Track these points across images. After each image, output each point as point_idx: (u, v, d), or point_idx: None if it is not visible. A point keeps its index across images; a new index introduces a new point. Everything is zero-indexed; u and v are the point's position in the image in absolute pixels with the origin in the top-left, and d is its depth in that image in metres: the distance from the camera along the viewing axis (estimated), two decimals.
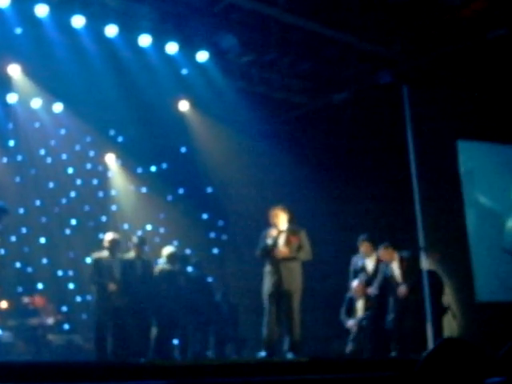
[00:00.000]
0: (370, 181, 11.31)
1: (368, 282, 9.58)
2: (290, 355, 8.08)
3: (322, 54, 10.79)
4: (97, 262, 9.66)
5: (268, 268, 8.32)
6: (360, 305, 9.61)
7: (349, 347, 9.53)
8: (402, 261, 9.39)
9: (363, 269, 9.75)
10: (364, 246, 9.73)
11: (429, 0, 9.24)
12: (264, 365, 6.43)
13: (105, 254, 9.69)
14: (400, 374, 5.15)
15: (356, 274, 9.76)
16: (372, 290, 9.52)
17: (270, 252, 8.27)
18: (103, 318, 9.50)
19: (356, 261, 9.84)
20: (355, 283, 9.61)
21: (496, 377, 3.14)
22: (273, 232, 8.28)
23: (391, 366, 5.92)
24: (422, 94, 10.18)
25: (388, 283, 9.42)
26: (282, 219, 8.35)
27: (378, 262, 9.64)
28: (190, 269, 11.14)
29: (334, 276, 10.86)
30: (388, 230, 10.28)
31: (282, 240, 8.28)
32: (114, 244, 9.77)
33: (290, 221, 8.41)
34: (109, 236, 9.85)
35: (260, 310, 8.43)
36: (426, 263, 9.13)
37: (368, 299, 9.54)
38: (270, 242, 8.27)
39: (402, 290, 9.22)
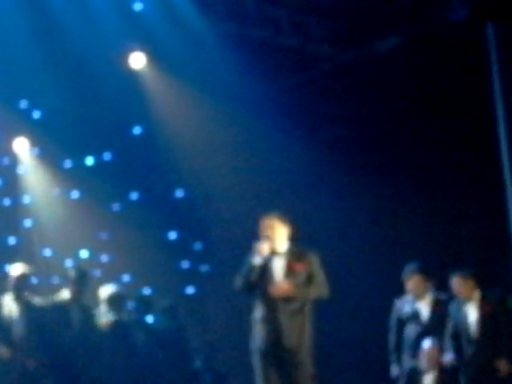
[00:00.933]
0: (432, 179, 11.48)
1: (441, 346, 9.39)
2: None
3: None
4: None
5: (259, 313, 8.02)
6: (429, 380, 9.43)
7: None
8: (483, 304, 9.31)
9: (414, 316, 9.65)
10: (414, 282, 9.63)
11: None
12: None
13: (6, 298, 9.79)
14: None
15: (401, 325, 9.69)
16: (449, 357, 9.33)
17: (258, 282, 7.93)
18: None
19: (401, 305, 9.77)
20: (427, 346, 9.38)
21: None
22: (264, 248, 7.94)
23: None
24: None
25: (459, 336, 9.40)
26: (279, 234, 8.06)
27: (437, 304, 9.62)
28: (151, 319, 11.30)
29: (370, 322, 11.02)
30: (466, 255, 10.27)
31: (279, 267, 7.98)
32: (21, 282, 9.82)
33: (293, 238, 8.15)
34: (15, 270, 9.91)
35: None
36: None
37: (443, 372, 9.36)
38: (258, 261, 7.91)
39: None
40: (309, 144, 11.75)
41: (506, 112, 9.92)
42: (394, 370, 9.64)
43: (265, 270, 7.92)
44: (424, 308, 9.60)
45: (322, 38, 11.76)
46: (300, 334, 7.92)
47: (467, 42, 10.67)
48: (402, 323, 9.64)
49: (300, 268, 7.94)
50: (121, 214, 13.06)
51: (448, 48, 11.05)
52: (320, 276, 8.03)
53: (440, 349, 9.35)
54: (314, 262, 8.05)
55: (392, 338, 9.69)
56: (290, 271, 7.92)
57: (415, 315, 9.60)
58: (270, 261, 7.95)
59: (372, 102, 11.94)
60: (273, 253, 7.98)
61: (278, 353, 7.88)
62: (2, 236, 12.65)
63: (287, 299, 7.84)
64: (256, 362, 7.96)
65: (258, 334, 7.96)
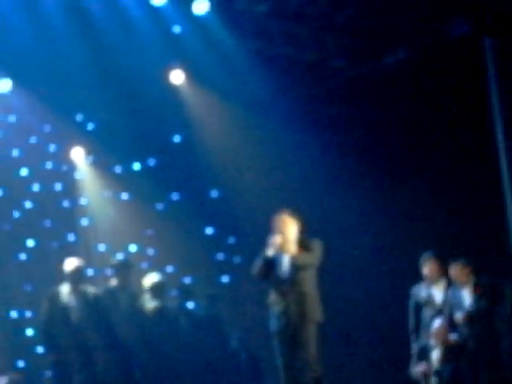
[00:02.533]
0: (437, 178, 11.35)
1: (450, 325, 9.30)
2: None
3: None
4: (50, 300, 9.78)
5: (272, 297, 8.05)
6: (436, 355, 9.36)
7: None
8: (476, 287, 9.28)
9: (429, 301, 9.59)
10: (429, 269, 9.55)
11: None
12: None
13: (64, 287, 9.79)
14: None
15: (418, 308, 9.61)
16: (454, 337, 9.29)
17: (271, 270, 7.98)
18: (67, 376, 9.66)
19: (418, 291, 9.68)
20: (436, 325, 9.32)
21: None
22: (277, 241, 7.95)
23: None
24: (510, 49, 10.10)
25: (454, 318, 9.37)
26: (290, 229, 8.07)
27: (449, 289, 9.56)
28: (193, 305, 11.39)
29: (387, 309, 10.93)
30: (468, 245, 10.19)
31: (287, 257, 8.00)
32: (76, 274, 9.84)
33: (302, 232, 8.14)
34: (70, 263, 9.90)
35: None
36: None
37: (450, 349, 9.28)
38: (271, 253, 7.94)
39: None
40: (326, 148, 11.69)
41: (503, 119, 9.84)
42: (414, 348, 9.56)
43: (276, 259, 7.95)
44: (437, 292, 9.53)
45: (338, 53, 11.70)
46: (306, 316, 7.91)
47: (467, 55, 10.53)
48: (419, 307, 9.56)
49: (299, 258, 7.99)
50: (164, 213, 13.03)
51: (450, 60, 10.92)
52: (317, 251, 8.04)
53: (448, 328, 9.29)
54: (317, 247, 8.03)
55: (411, 320, 9.60)
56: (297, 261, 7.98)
57: (430, 299, 9.53)
58: (281, 252, 7.94)
59: (382, 109, 11.85)
60: (284, 245, 7.94)
61: (289, 332, 7.88)
62: (63, 233, 12.70)
63: (294, 284, 7.87)
64: (274, 341, 8.00)
65: (273, 316, 7.99)
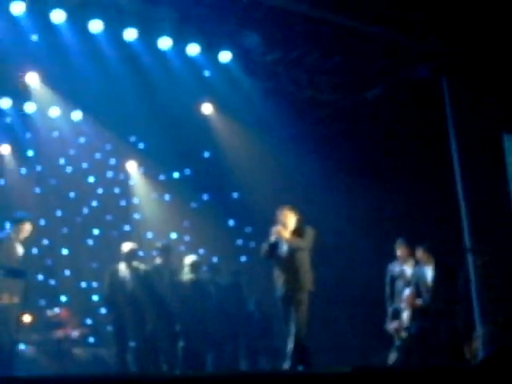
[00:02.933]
0: (408, 182, 11.27)
1: (418, 293, 9.39)
2: (299, 367, 7.77)
3: (351, 48, 10.64)
4: (111, 274, 9.81)
5: (276, 271, 8.08)
6: (406, 315, 9.42)
7: (392, 357, 9.47)
8: (437, 265, 9.34)
9: (401, 275, 9.66)
10: (401, 250, 9.66)
11: None
12: (296, 377, 6.32)
13: (121, 265, 9.83)
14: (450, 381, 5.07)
15: (393, 281, 9.68)
16: (419, 302, 9.36)
17: (274, 252, 8.02)
18: (124, 331, 9.69)
19: (393, 267, 9.76)
20: (407, 293, 9.43)
21: None
22: (278, 229, 8.00)
23: (441, 376, 5.80)
24: (463, 88, 10.15)
25: (420, 287, 9.40)
26: (290, 220, 8.08)
27: (416, 266, 9.58)
28: (224, 277, 11.27)
29: (371, 282, 10.77)
30: (428, 234, 10.14)
31: (285, 242, 8.00)
32: (130, 254, 9.89)
33: (299, 222, 8.13)
34: (126, 246, 9.99)
35: None
36: (473, 267, 9.11)
37: (416, 311, 9.35)
38: (273, 239, 8.00)
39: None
40: (320, 160, 11.67)
41: (456, 139, 9.91)
42: (389, 310, 9.62)
43: (278, 243, 7.97)
44: (407, 268, 9.60)
45: (328, 90, 11.60)
46: (300, 286, 7.89)
47: (429, 91, 10.55)
48: (393, 279, 9.64)
49: (291, 241, 7.99)
50: (196, 209, 13.06)
51: (415, 95, 10.88)
52: (308, 236, 8.02)
53: (416, 295, 9.37)
54: (309, 233, 8.02)
55: (387, 289, 9.68)
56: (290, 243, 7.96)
57: (402, 274, 9.61)
58: (281, 238, 7.95)
59: (363, 132, 11.80)
60: (283, 232, 7.93)
61: (288, 297, 7.91)
62: (120, 225, 12.86)
63: (291, 262, 7.89)
64: (279, 304, 8.05)
65: (277, 286, 8.01)
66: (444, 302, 9.12)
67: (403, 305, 9.44)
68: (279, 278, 8.00)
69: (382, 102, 11.47)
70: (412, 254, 9.59)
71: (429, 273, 9.32)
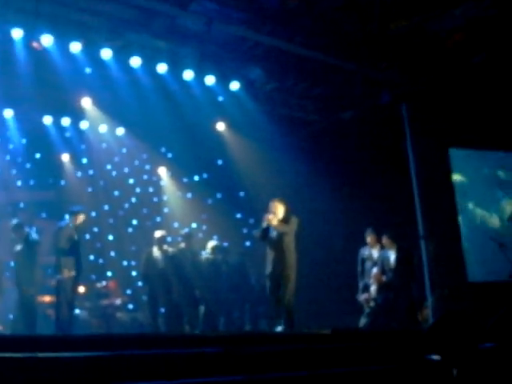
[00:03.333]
0: (375, 185, 11.15)
1: (383, 271, 9.32)
2: (279, 328, 7.55)
3: (331, 79, 10.68)
4: (146, 255, 9.73)
5: (267, 251, 7.85)
6: (373, 289, 9.37)
7: (362, 321, 9.40)
8: (398, 250, 9.26)
9: (369, 257, 9.58)
10: (370, 238, 9.58)
11: (420, 32, 9.09)
12: (289, 336, 6.31)
13: (154, 248, 9.74)
14: (408, 341, 5.05)
15: (363, 262, 9.59)
16: (384, 278, 9.30)
17: (266, 235, 7.78)
18: (155, 299, 9.63)
19: (363, 251, 9.66)
20: (374, 272, 9.35)
21: (488, 343, 3.12)
22: (269, 217, 7.75)
23: (400, 336, 5.82)
24: (418, 111, 10.06)
25: (384, 267, 9.32)
26: (279, 210, 7.83)
27: (381, 250, 9.50)
28: (233, 258, 11.09)
29: (346, 262, 10.65)
30: (391, 225, 10.03)
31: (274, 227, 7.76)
32: (161, 240, 9.80)
33: (286, 212, 7.87)
34: (157, 233, 9.91)
35: None
36: (425, 251, 9.06)
37: (382, 285, 9.29)
38: (265, 224, 7.78)
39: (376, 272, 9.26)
40: (308, 167, 11.54)
41: (414, 155, 9.78)
42: (360, 285, 9.56)
43: (269, 229, 7.77)
44: (375, 252, 9.51)
45: (313, 112, 11.67)
46: (286, 263, 7.68)
47: (391, 114, 10.47)
48: (363, 260, 9.55)
49: (277, 227, 7.77)
50: (212, 205, 12.90)
51: (380, 117, 10.85)
52: (291, 223, 7.77)
53: (381, 273, 9.32)
54: (294, 221, 7.80)
55: (359, 268, 9.59)
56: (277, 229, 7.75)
57: (370, 256, 9.52)
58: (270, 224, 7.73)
59: (340, 146, 11.78)
60: (272, 220, 7.70)
61: (276, 273, 7.70)
62: (153, 217, 12.77)
63: (279, 244, 7.67)
64: (267, 281, 7.83)
65: (267, 264, 7.80)
66: (403, 279, 9.09)
67: (371, 280, 9.38)
68: (269, 256, 7.80)
69: (354, 122, 11.44)
70: (378, 241, 9.51)
71: (392, 255, 9.26)
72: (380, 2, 8.48)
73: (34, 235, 8.90)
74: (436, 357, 3.10)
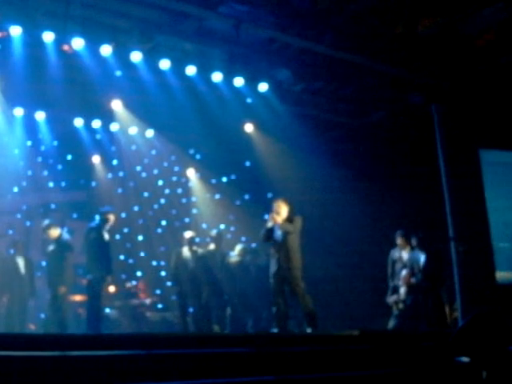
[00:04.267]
0: (404, 187, 11.07)
1: (413, 273, 9.26)
2: (308, 330, 7.47)
3: (360, 80, 10.64)
4: (176, 255, 9.78)
5: (271, 252, 7.74)
6: (403, 291, 9.32)
7: (391, 323, 9.36)
8: (428, 252, 9.19)
9: (399, 259, 9.52)
10: (400, 240, 9.55)
11: (450, 33, 9.00)
12: (317, 338, 6.30)
13: (183, 248, 9.82)
14: (437, 343, 5.01)
15: (393, 264, 9.54)
16: (413, 280, 9.25)
17: (270, 236, 7.68)
18: (185, 299, 9.72)
19: (393, 253, 9.62)
20: (403, 274, 9.30)
21: None
22: (274, 217, 7.68)
23: (429, 338, 5.76)
24: (448, 112, 9.96)
25: (414, 269, 9.27)
26: (283, 209, 7.74)
27: (411, 252, 9.44)
28: (262, 259, 10.93)
29: (375, 265, 10.61)
30: (420, 227, 9.98)
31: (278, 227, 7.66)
32: (190, 240, 9.86)
33: (290, 211, 7.80)
34: (187, 234, 9.99)
35: (313, 292, 8.11)
36: (455, 253, 8.97)
37: (411, 287, 9.25)
38: (270, 225, 7.70)
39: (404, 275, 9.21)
40: (336, 169, 11.50)
41: (443, 155, 9.67)
42: (390, 286, 9.51)
43: (273, 229, 7.68)
44: (404, 254, 9.46)
45: (342, 113, 11.62)
46: (291, 263, 7.57)
47: (421, 117, 10.40)
48: (393, 262, 9.51)
49: (283, 226, 7.66)
50: (240, 206, 12.90)
51: (410, 119, 10.82)
52: (295, 223, 7.68)
53: (411, 275, 9.26)
54: (297, 220, 7.68)
55: (389, 270, 9.56)
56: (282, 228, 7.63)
57: (400, 258, 9.47)
58: (275, 225, 7.66)
59: (370, 147, 11.72)
60: (277, 219, 7.63)
61: (281, 273, 7.59)
62: (182, 217, 12.88)
63: (283, 244, 7.57)
64: (271, 280, 7.71)
65: (271, 265, 7.70)
66: (432, 280, 9.04)
67: (400, 282, 9.34)
68: (274, 256, 7.67)
69: (384, 123, 11.40)
70: (408, 243, 9.46)
71: (421, 257, 9.20)
72: (410, 3, 8.42)
73: (66, 236, 9.08)
74: (465, 359, 3.08)
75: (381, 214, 11.34)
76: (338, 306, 10.51)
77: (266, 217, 12.85)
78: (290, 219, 7.75)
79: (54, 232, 8.96)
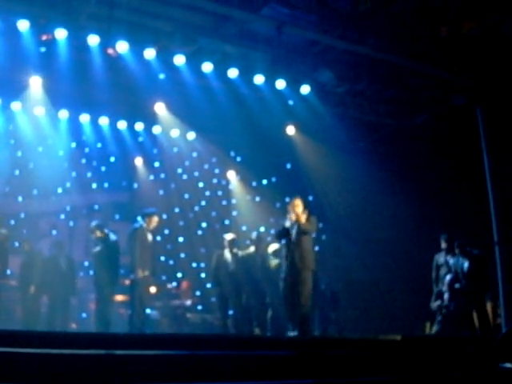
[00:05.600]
0: (448, 189, 10.97)
1: (457, 279, 9.15)
2: (292, 333, 7.34)
3: (403, 82, 10.61)
4: (217, 257, 9.82)
5: (285, 252, 7.61)
6: (447, 296, 9.23)
7: (434, 328, 9.29)
8: (472, 256, 9.09)
9: (444, 264, 9.41)
10: (445, 244, 9.43)
11: (494, 34, 8.87)
12: (358, 342, 6.27)
13: (224, 250, 9.85)
14: (481, 349, 4.95)
15: (438, 268, 9.44)
16: (458, 286, 9.16)
17: (286, 235, 7.54)
18: (225, 301, 9.71)
19: (438, 257, 9.51)
20: (447, 279, 9.21)
21: None
22: (291, 216, 7.55)
23: (472, 344, 5.69)
24: (493, 114, 9.82)
25: (458, 274, 9.17)
26: (301, 209, 7.62)
27: (456, 257, 9.31)
28: None
29: (418, 268, 10.53)
30: (465, 231, 9.89)
31: (295, 227, 7.51)
32: (231, 242, 9.89)
33: (308, 211, 7.70)
34: (228, 236, 10.02)
35: (357, 297, 8.00)
36: (499, 257, 8.82)
37: (455, 293, 9.14)
38: (288, 224, 7.57)
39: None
40: (378, 172, 11.43)
41: (488, 157, 9.55)
42: (434, 292, 9.43)
43: (289, 228, 7.57)
44: (450, 258, 9.35)
45: (385, 115, 11.54)
46: (305, 264, 7.45)
47: (465, 117, 10.27)
48: (438, 267, 9.42)
49: (305, 226, 7.53)
50: (280, 209, 12.51)
51: (454, 120, 10.69)
52: (313, 222, 7.62)
53: (455, 280, 9.16)
54: (314, 221, 7.61)
55: (433, 275, 9.48)
56: (299, 229, 7.53)
57: (445, 263, 9.37)
58: (292, 224, 7.56)
59: (413, 149, 11.63)
60: (301, 217, 7.51)
61: (293, 275, 7.45)
62: (222, 219, 13.01)
63: (299, 244, 7.45)
64: (281, 283, 7.63)
65: (283, 266, 7.61)
66: (476, 286, 8.96)
67: (444, 288, 9.25)
68: (286, 258, 7.56)
69: (427, 126, 11.30)
70: (453, 247, 9.33)
71: (465, 262, 9.10)
72: (453, 4, 8.32)
73: (113, 236, 9.16)
74: (509, 365, 3.05)
75: (424, 216, 11.22)
76: (380, 308, 10.40)
77: None
78: (307, 219, 7.66)
79: (102, 232, 9.08)
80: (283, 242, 7.74)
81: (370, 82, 10.60)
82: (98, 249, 9.08)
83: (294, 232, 7.55)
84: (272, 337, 8.49)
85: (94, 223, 9.34)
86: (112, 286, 8.85)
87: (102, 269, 8.83)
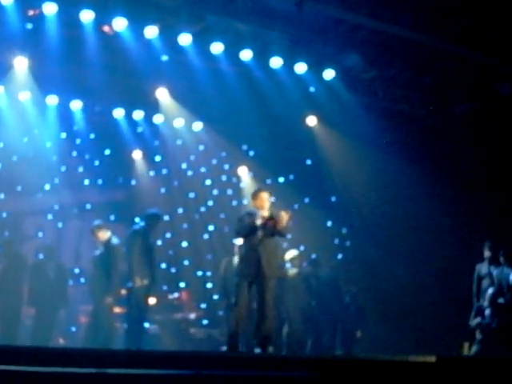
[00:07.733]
0: (491, 188, 10.93)
1: (501, 292, 9.10)
2: (257, 350, 7.23)
3: (441, 67, 10.58)
4: (225, 265, 9.65)
5: (244, 250, 7.46)
6: (488, 312, 9.16)
7: (473, 348, 9.23)
8: None
9: (487, 275, 9.36)
10: (488, 253, 9.35)
11: None
12: (387, 363, 6.25)
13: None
14: None
15: (480, 280, 9.40)
16: (501, 301, 9.11)
17: (253, 233, 7.31)
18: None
19: (480, 268, 9.46)
20: (489, 292, 9.16)
21: None
22: (263, 214, 7.38)
23: None
24: None
25: (502, 287, 9.11)
26: (267, 204, 7.51)
27: (500, 268, 9.25)
28: (324, 271, 10.99)
29: (459, 280, 10.43)
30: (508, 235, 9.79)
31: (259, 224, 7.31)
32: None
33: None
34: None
35: (387, 311, 7.91)
36: None
37: (497, 308, 9.09)
38: (259, 222, 7.36)
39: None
40: (415, 170, 11.40)
41: None
42: (474, 307, 9.34)
43: (254, 225, 7.37)
44: (493, 269, 9.27)
45: (420, 105, 11.54)
46: (270, 270, 7.31)
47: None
48: (480, 279, 9.36)
49: (270, 223, 7.33)
50: (298, 211, 12.60)
51: (499, 111, 10.66)
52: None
53: (498, 294, 9.09)
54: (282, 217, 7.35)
55: (474, 288, 9.40)
56: (264, 226, 7.34)
57: (488, 274, 9.30)
58: (264, 222, 7.36)
59: (451, 143, 11.58)
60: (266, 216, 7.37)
61: (257, 280, 7.27)
62: (232, 222, 12.53)
63: (266, 246, 7.30)
64: (239, 282, 7.40)
65: (243, 266, 7.43)
66: None
67: (486, 303, 9.19)
68: (249, 258, 7.35)
69: (468, 116, 11.27)
70: (498, 256, 9.26)
71: (510, 274, 9.04)
72: None
73: (116, 240, 9.12)
74: None
75: (463, 218, 11.24)
76: (412, 325, 10.39)
77: (330, 224, 13.14)
78: (271, 215, 7.49)
79: (104, 235, 9.05)
80: (242, 240, 7.59)
81: (402, 66, 10.57)
82: (97, 253, 9.10)
83: (263, 231, 7.39)
84: (287, 356, 8.48)
85: (96, 223, 9.31)
86: (111, 297, 8.77)
87: (100, 276, 8.82)
